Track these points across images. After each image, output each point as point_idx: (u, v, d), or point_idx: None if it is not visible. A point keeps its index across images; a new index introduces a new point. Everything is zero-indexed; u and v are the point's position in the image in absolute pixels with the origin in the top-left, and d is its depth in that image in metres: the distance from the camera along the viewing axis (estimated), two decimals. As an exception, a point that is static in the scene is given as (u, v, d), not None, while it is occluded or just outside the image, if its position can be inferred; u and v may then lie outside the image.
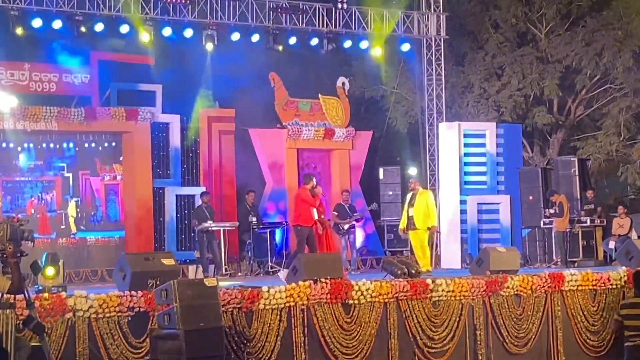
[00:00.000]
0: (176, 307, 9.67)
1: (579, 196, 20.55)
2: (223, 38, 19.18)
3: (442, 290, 12.09)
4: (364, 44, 20.66)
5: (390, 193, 22.36)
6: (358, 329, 11.52)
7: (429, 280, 12.11)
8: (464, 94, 25.08)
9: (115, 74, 19.33)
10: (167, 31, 18.60)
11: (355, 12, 20.35)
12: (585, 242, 19.00)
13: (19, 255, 8.02)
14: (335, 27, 20.13)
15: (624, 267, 13.98)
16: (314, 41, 20.07)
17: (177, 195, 19.62)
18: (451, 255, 19.90)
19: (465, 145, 20.48)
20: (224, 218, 19.13)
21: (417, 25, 21.18)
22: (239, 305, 10.69)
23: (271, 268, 17.47)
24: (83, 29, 17.76)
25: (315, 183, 16.76)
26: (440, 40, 21.38)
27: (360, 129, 21.98)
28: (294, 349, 11.03)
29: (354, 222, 18.96)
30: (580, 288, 13.17)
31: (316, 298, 11.21)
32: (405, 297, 11.83)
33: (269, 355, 10.83)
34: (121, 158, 19.79)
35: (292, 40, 19.86)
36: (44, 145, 19.69)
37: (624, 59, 23.63)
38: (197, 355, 9.64)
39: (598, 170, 25.58)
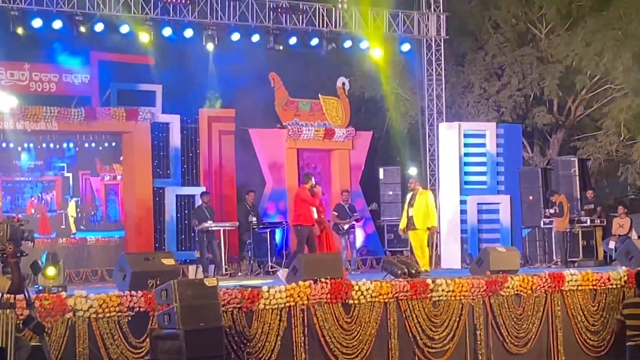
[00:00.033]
0: (176, 307, 9.67)
1: (579, 196, 20.56)
2: (223, 38, 19.17)
3: (442, 290, 12.09)
4: (364, 44, 20.66)
5: (390, 193, 22.37)
6: (358, 329, 11.52)
7: (429, 280, 12.11)
8: (464, 94, 25.08)
9: (115, 74, 19.33)
10: (167, 31, 18.60)
11: (355, 12, 20.35)
12: (585, 242, 19.00)
13: (19, 255, 8.02)
14: (335, 27, 20.13)
15: (624, 267, 13.99)
16: (314, 41, 20.07)
17: (177, 195, 19.62)
18: (451, 255, 19.90)
19: (465, 145, 20.48)
20: (224, 218, 19.13)
21: (417, 25, 21.19)
22: (239, 305, 10.70)
23: (271, 268, 17.47)
24: (83, 29, 17.76)
25: (314, 182, 16.76)
26: (440, 40, 21.38)
27: (360, 129, 21.98)
28: (294, 349, 11.03)
29: (353, 222, 18.96)
30: (580, 288, 13.17)
31: (316, 298, 11.21)
32: (405, 297, 11.83)
33: (269, 355, 10.84)
34: (121, 158, 19.80)
35: (292, 40, 19.86)
36: (44, 145, 19.69)
37: (624, 59, 23.62)
38: (197, 355, 9.64)
39: (598, 170, 25.59)
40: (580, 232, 18.99)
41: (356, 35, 20.46)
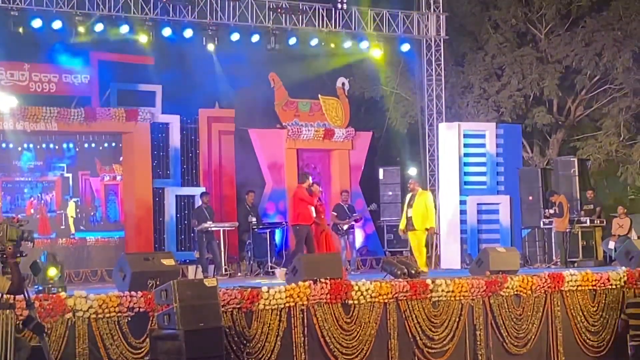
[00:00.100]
0: (176, 307, 9.67)
1: (578, 196, 20.56)
2: (223, 38, 19.17)
3: (442, 291, 12.09)
4: (364, 44, 20.67)
5: (390, 193, 22.38)
6: (358, 329, 11.51)
7: (428, 281, 12.11)
8: (463, 94, 25.09)
9: (115, 75, 19.33)
10: (167, 31, 18.60)
11: (355, 12, 20.35)
12: (585, 243, 19.00)
13: (18, 255, 8.02)
14: (335, 27, 20.12)
15: (623, 267, 13.98)
16: (314, 41, 20.07)
17: (176, 196, 19.63)
18: (451, 256, 19.89)
19: (465, 145, 20.47)
20: (223, 218, 19.13)
21: (417, 25, 21.19)
22: (238, 306, 10.69)
23: (271, 268, 17.46)
24: (83, 29, 17.75)
25: (311, 181, 16.74)
26: (440, 40, 21.39)
27: (360, 129, 21.99)
28: (293, 349, 11.03)
29: (353, 223, 18.95)
30: (580, 288, 13.16)
31: (316, 298, 11.21)
32: (405, 298, 11.83)
33: (268, 355, 10.83)
34: (121, 158, 19.80)
35: (292, 41, 19.86)
36: (44, 145, 19.71)
37: (623, 59, 23.66)
38: (196, 356, 9.64)
39: (598, 171, 25.60)
40: (580, 233, 19.00)
41: (356, 35, 20.46)
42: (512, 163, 20.98)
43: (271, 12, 19.39)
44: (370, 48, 20.76)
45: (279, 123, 20.90)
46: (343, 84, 21.92)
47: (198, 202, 18.61)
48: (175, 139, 19.78)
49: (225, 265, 17.58)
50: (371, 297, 11.59)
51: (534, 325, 12.78)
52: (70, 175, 20.20)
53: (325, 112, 21.43)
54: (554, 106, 25.58)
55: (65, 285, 11.08)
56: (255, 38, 19.48)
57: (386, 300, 11.70)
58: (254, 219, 18.45)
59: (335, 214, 18.87)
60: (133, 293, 10.23)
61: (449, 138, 20.47)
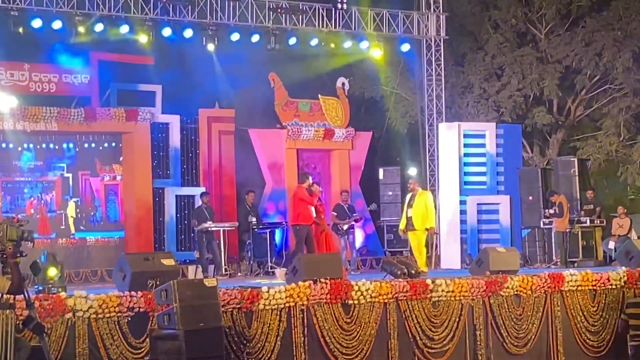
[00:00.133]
0: (176, 307, 9.68)
1: (578, 196, 20.56)
2: (223, 38, 19.17)
3: (442, 291, 12.09)
4: (364, 44, 20.67)
5: (390, 193, 22.38)
6: (358, 329, 11.52)
7: (428, 281, 12.11)
8: (463, 94, 25.10)
9: (115, 75, 19.34)
10: (167, 31, 18.59)
11: (355, 12, 20.36)
12: (585, 243, 19.00)
13: (18, 255, 8.02)
14: (335, 27, 20.12)
15: (623, 267, 13.98)
16: (314, 41, 20.07)
17: (176, 196, 19.62)
18: (451, 256, 19.89)
19: (465, 145, 20.47)
20: (223, 218, 19.13)
21: (417, 25, 21.19)
22: (238, 306, 10.69)
23: (271, 268, 17.46)
24: (83, 29, 17.75)
25: (311, 181, 16.73)
26: (440, 40, 21.39)
27: (360, 129, 21.98)
28: (293, 349, 11.03)
29: (353, 223, 18.95)
30: (580, 288, 13.17)
31: (316, 298, 11.21)
32: (405, 298, 11.83)
33: (268, 355, 10.83)
34: (121, 158, 19.80)
35: (292, 41, 19.85)
36: (44, 145, 19.71)
37: (623, 59, 23.67)
38: (196, 356, 9.64)
39: (598, 171, 25.60)
40: (580, 233, 19.00)
41: (356, 35, 20.46)
42: (512, 163, 20.98)
43: (271, 12, 19.40)
44: (370, 48, 20.76)
45: (279, 123, 20.90)
46: (343, 84, 21.92)
47: (198, 202, 18.61)
48: (175, 139, 19.78)
49: (225, 265, 17.58)
50: (371, 297, 11.59)
51: (534, 325, 12.78)
52: (70, 175, 20.20)
53: (325, 112, 21.44)
54: (554, 106, 25.58)
55: (65, 285, 11.09)
56: (255, 38, 19.48)
57: (386, 300, 11.70)
58: (254, 219, 18.45)
59: (335, 214, 18.87)
60: (133, 293, 10.24)
61: (449, 138, 20.47)
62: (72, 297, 9.91)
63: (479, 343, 12.37)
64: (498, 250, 13.96)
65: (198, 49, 19.14)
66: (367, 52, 20.99)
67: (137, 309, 10.17)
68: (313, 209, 16.45)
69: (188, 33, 18.83)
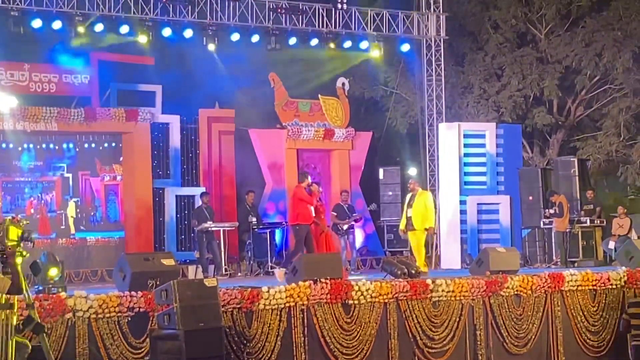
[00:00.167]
0: (176, 307, 9.68)
1: (578, 196, 20.55)
2: (223, 38, 19.17)
3: (442, 291, 12.09)
4: (364, 44, 20.67)
5: (390, 193, 22.37)
6: (358, 329, 11.52)
7: (428, 281, 12.11)
8: (463, 95, 25.10)
9: (115, 75, 19.34)
10: (166, 31, 18.59)
11: (355, 12, 20.36)
12: (585, 242, 19.00)
13: (18, 255, 8.01)
14: (335, 27, 20.13)
15: (623, 267, 13.99)
16: (314, 41, 20.07)
17: (176, 196, 19.62)
18: (451, 256, 19.89)
19: (465, 145, 20.47)
20: (223, 218, 19.13)
21: (417, 25, 21.19)
22: (238, 306, 10.69)
23: (271, 268, 17.46)
24: (83, 29, 17.75)
25: (310, 181, 16.72)
26: (440, 40, 21.39)
27: (360, 129, 21.98)
28: (294, 349, 11.03)
29: (352, 223, 18.94)
30: (580, 288, 13.17)
31: (316, 298, 11.21)
32: (405, 298, 11.83)
33: (269, 355, 10.84)
34: (121, 158, 19.81)
35: (292, 41, 19.86)
36: (44, 145, 19.72)
37: (623, 59, 23.67)
38: (197, 356, 9.64)
39: (598, 171, 25.60)
40: (580, 233, 18.99)
41: (356, 35, 20.46)
42: (512, 163, 20.98)
43: (271, 12, 19.40)
44: (370, 48, 20.76)
45: (279, 123, 20.89)
46: (343, 84, 21.91)
47: (198, 202, 18.61)
48: (175, 139, 19.78)
49: (225, 265, 17.58)
50: (371, 297, 11.59)
51: (534, 325, 12.79)
52: (70, 175, 20.21)
53: (325, 112, 21.43)
54: (554, 106, 25.58)
55: (65, 285, 11.09)
56: (255, 38, 19.48)
57: (386, 300, 11.70)
58: (254, 219, 18.45)
59: (335, 214, 18.86)
60: (133, 293, 10.24)
61: (449, 138, 20.47)
62: (72, 297, 9.91)
63: (479, 343, 12.37)
64: (498, 250, 13.97)
65: (198, 49, 19.14)
66: (367, 53, 20.99)
67: (137, 309, 10.17)
68: (312, 208, 16.44)
69: (188, 33, 18.83)
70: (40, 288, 10.68)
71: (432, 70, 21.35)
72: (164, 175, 19.67)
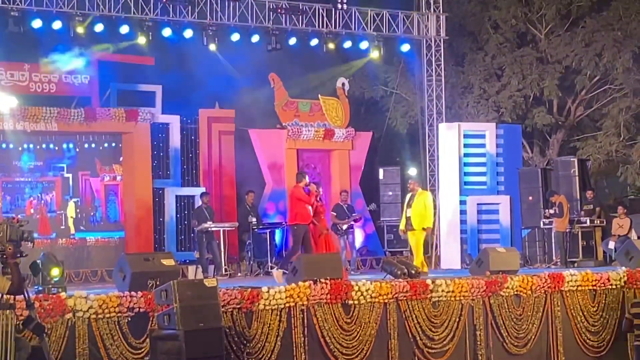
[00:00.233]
0: (176, 307, 9.68)
1: (578, 196, 20.54)
2: (223, 38, 19.17)
3: (442, 291, 12.10)
4: (363, 45, 20.67)
5: (390, 193, 22.37)
6: (358, 330, 11.52)
7: (428, 281, 12.12)
8: (463, 95, 25.09)
9: (115, 75, 19.34)
10: (167, 32, 18.59)
11: (355, 12, 20.36)
12: (585, 243, 18.99)
13: (18, 256, 8.02)
14: (335, 27, 20.13)
15: (623, 268, 13.99)
16: (314, 41, 20.08)
17: (176, 196, 19.62)
18: (451, 256, 19.88)
19: (465, 145, 20.46)
20: (223, 218, 19.13)
21: (417, 25, 21.19)
22: (238, 306, 10.70)
23: (271, 268, 17.45)
24: (83, 29, 17.74)
25: (308, 180, 16.71)
26: (440, 40, 21.39)
27: (360, 129, 21.98)
28: (294, 350, 11.04)
29: (352, 223, 18.94)
30: (580, 288, 13.18)
31: (316, 298, 11.22)
32: (405, 298, 11.84)
33: (269, 355, 10.84)
34: (121, 159, 19.81)
35: (292, 41, 19.86)
36: (44, 146, 19.73)
37: (623, 59, 23.66)
38: (197, 356, 9.64)
39: (598, 171, 25.59)
40: (580, 233, 18.98)
41: (356, 35, 20.47)
42: (512, 163, 20.97)
43: (271, 12, 19.40)
44: (370, 48, 20.76)
45: (279, 123, 20.89)
46: (343, 84, 21.91)
47: (198, 202, 18.61)
48: (175, 139, 19.77)
49: (225, 265, 17.58)
50: (371, 297, 11.60)
51: (534, 325, 12.79)
52: (70, 175, 20.23)
53: (325, 112, 21.43)
54: (554, 106, 25.57)
55: (65, 285, 11.08)
56: (255, 38, 19.47)
57: (386, 301, 11.71)
58: (254, 219, 18.45)
59: (335, 214, 18.86)
60: (133, 293, 10.24)
61: (449, 138, 20.47)
62: (72, 298, 9.92)
63: (479, 343, 12.38)
64: (498, 250, 13.98)
65: (198, 49, 19.13)
66: (367, 53, 20.98)
67: (137, 309, 10.18)
68: (310, 208, 16.39)
69: (188, 33, 18.83)
70: (40, 288, 10.68)
71: (432, 70, 21.35)
72: (164, 176, 19.67)
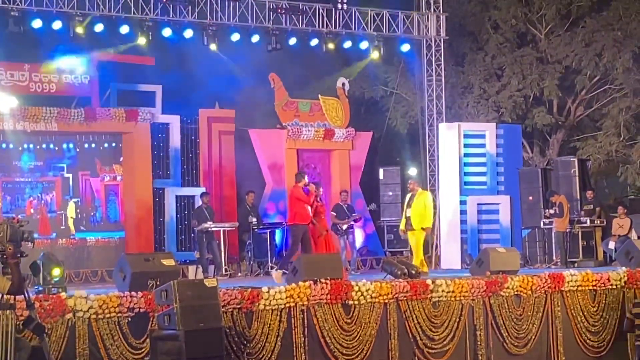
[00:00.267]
0: (176, 307, 9.68)
1: (578, 197, 20.54)
2: (223, 38, 19.17)
3: (442, 291, 12.10)
4: (363, 45, 20.67)
5: (390, 193, 22.37)
6: (358, 330, 11.52)
7: (429, 281, 12.12)
8: (463, 95, 25.10)
9: (115, 75, 19.34)
10: (167, 32, 18.59)
11: (355, 12, 20.36)
12: (585, 243, 18.99)
13: (19, 256, 8.02)
14: (335, 27, 20.13)
15: (623, 268, 13.99)
16: (314, 41, 20.07)
17: (177, 196, 19.61)
18: (451, 256, 19.88)
19: (465, 145, 20.46)
20: (223, 218, 19.13)
21: (417, 25, 21.19)
22: (239, 306, 10.70)
23: (271, 268, 17.45)
24: (83, 29, 17.74)
25: (307, 180, 16.72)
26: (440, 40, 21.38)
27: (360, 129, 21.98)
28: (294, 350, 11.03)
29: (352, 223, 18.94)
30: (580, 288, 13.17)
31: (316, 298, 11.21)
32: (405, 298, 11.84)
33: (269, 355, 10.84)
34: (121, 159, 19.81)
35: (292, 41, 19.86)
36: (44, 146, 19.73)
37: (623, 59, 23.66)
38: (197, 356, 9.64)
39: (598, 171, 25.60)
40: (580, 233, 18.98)
41: (356, 35, 20.46)
42: (512, 163, 20.97)
43: (271, 12, 19.40)
44: (370, 48, 20.76)
45: (279, 123, 20.89)
46: (343, 84, 21.90)
47: (198, 203, 18.61)
48: (175, 139, 19.78)
49: (225, 265, 17.57)
50: (371, 297, 11.60)
51: (534, 325, 12.79)
52: (70, 175, 20.24)
53: (325, 112, 21.43)
54: (554, 106, 25.58)
55: (66, 285, 11.08)
56: (256, 38, 19.47)
57: (386, 301, 11.71)
58: (254, 219, 18.44)
59: (335, 214, 18.86)
60: (133, 293, 10.24)
61: (449, 138, 20.47)
62: (73, 298, 9.91)
63: (479, 343, 12.38)
64: (498, 250, 13.97)
65: (198, 49, 19.13)
66: (367, 52, 20.98)
67: (138, 309, 10.17)
68: (310, 208, 16.39)
69: (188, 33, 18.83)
70: (41, 288, 10.68)
71: (432, 70, 21.35)
72: (164, 176, 19.67)
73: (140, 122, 19.08)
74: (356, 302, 11.52)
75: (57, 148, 19.90)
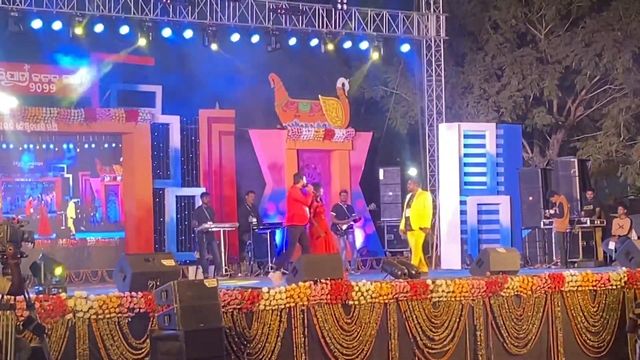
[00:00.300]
0: (176, 308, 9.68)
1: (578, 197, 20.54)
2: (223, 39, 19.17)
3: (442, 291, 12.10)
4: (363, 45, 20.68)
5: (390, 194, 22.37)
6: (358, 330, 11.53)
7: (429, 281, 12.12)
8: (463, 95, 25.10)
9: (116, 75, 19.32)
10: (167, 32, 18.59)
11: (355, 12, 20.36)
12: (585, 243, 18.99)
13: (19, 256, 8.02)
14: (335, 27, 20.13)
15: (624, 268, 13.99)
16: (314, 42, 20.08)
17: (177, 196, 19.62)
18: (451, 256, 19.87)
19: (465, 146, 20.45)
20: (224, 219, 19.13)
21: (416, 26, 21.19)
22: (239, 306, 10.70)
23: (271, 269, 17.43)
24: (83, 30, 17.74)
25: (305, 181, 16.71)
26: (440, 40, 21.39)
27: (360, 129, 21.99)
28: (294, 350, 11.04)
29: (352, 223, 18.94)
30: (580, 289, 13.18)
31: (316, 299, 11.22)
32: (405, 298, 11.84)
33: (269, 356, 10.84)
34: (121, 159, 19.81)
35: (292, 41, 19.87)
36: (44, 146, 19.71)
37: (623, 59, 23.66)
38: (197, 356, 9.65)
39: (598, 171, 25.59)
40: (580, 233, 18.98)
41: (356, 35, 20.47)
42: (512, 163, 20.96)
43: (271, 13, 19.40)
44: (370, 48, 20.76)
45: (279, 123, 20.90)
46: (343, 84, 21.91)
47: (198, 203, 18.62)
48: (175, 139, 19.78)
49: (225, 265, 17.58)
50: (371, 297, 11.60)
51: (535, 325, 12.80)
52: (70, 175, 20.21)
53: (325, 112, 21.43)
54: (554, 106, 25.58)
55: (66, 285, 11.08)
56: (256, 38, 19.48)
57: (386, 301, 11.71)
58: (254, 220, 18.45)
59: (334, 214, 18.87)
60: (133, 294, 10.24)
61: (449, 138, 20.46)
62: (73, 298, 9.92)
63: (479, 343, 12.38)
64: (498, 250, 13.97)
65: (198, 49, 19.14)
66: (367, 52, 20.98)
67: (138, 309, 10.18)
68: (308, 209, 16.37)
69: (188, 34, 18.84)
70: (41, 289, 10.68)
71: (432, 70, 21.35)
72: (164, 176, 19.68)
73: (140, 122, 19.08)
74: (356, 302, 11.52)
75: (57, 148, 19.88)
